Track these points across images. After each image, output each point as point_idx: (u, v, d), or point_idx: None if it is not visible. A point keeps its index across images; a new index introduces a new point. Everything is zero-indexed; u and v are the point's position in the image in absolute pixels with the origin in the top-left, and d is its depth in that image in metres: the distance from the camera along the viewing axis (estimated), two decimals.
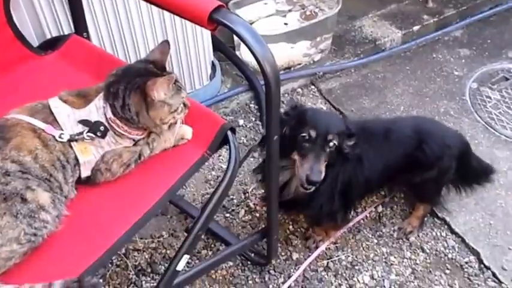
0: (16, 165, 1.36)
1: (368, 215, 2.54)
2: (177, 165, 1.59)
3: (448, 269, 2.36)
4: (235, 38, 3.08)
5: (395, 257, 2.39)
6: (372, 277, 2.32)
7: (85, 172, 1.50)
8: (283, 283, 2.27)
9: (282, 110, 1.99)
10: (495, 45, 3.67)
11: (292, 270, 2.32)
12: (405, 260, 2.38)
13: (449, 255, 2.40)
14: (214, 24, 1.37)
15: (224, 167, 2.68)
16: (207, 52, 2.83)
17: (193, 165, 1.59)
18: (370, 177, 2.16)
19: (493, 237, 2.45)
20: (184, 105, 1.56)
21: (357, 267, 2.35)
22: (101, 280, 2.17)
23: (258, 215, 2.53)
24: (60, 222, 1.41)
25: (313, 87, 3.29)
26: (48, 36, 2.19)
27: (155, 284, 1.87)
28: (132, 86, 1.45)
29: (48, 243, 1.38)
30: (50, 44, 2.01)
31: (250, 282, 2.28)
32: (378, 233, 2.49)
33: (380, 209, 2.58)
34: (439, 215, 2.53)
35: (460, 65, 3.49)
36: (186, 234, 1.67)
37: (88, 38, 2.07)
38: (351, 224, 2.47)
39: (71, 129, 1.46)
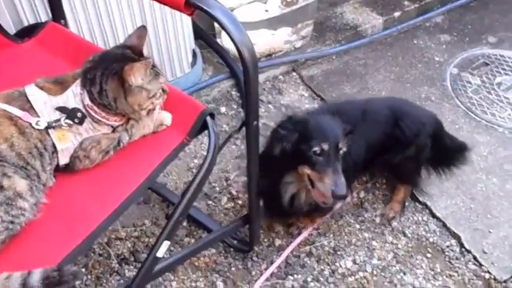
0: None
1: (350, 201, 2.55)
2: (156, 152, 1.58)
3: (429, 252, 2.37)
4: (216, 25, 3.07)
5: (377, 242, 2.41)
6: (354, 262, 2.33)
7: (63, 159, 1.49)
8: (265, 269, 2.27)
9: (270, 123, 2.00)
10: (475, 31, 3.68)
11: (274, 257, 2.33)
12: (387, 244, 2.40)
13: (431, 240, 2.42)
14: (191, 8, 1.36)
15: (205, 154, 2.67)
16: (188, 40, 2.82)
17: (173, 151, 1.58)
18: (357, 160, 2.16)
19: (474, 221, 2.47)
20: (163, 90, 1.55)
21: (339, 253, 2.36)
22: (83, 269, 2.18)
23: (240, 202, 2.53)
24: (39, 210, 1.40)
25: (294, 74, 3.29)
26: (26, 24, 2.16)
27: None
28: (109, 72, 1.44)
29: (27, 231, 1.36)
30: (27, 32, 1.98)
31: (233, 269, 2.28)
32: (360, 218, 2.50)
33: (362, 194, 2.60)
34: (420, 199, 2.55)
35: (441, 51, 3.51)
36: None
37: (66, 25, 2.05)
38: (333, 210, 2.47)
39: (48, 117, 1.45)
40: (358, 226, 2.47)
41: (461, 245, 2.39)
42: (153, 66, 1.49)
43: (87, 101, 1.47)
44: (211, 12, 1.33)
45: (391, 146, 2.26)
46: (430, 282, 2.27)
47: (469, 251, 2.37)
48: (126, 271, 2.23)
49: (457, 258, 2.35)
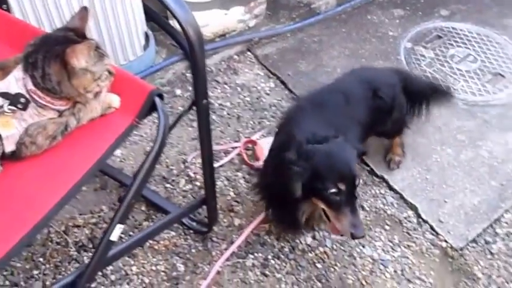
0: None
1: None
2: (105, 135, 1.55)
3: (387, 225, 2.41)
4: None
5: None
6: (314, 238, 2.35)
7: (9, 147, 1.45)
8: (226, 249, 2.27)
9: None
10: (428, 5, 3.72)
11: (234, 236, 2.33)
12: None
13: (389, 212, 2.45)
14: None
15: None
16: (139, 22, 2.77)
17: (122, 133, 1.55)
18: (359, 147, 2.09)
19: (430, 192, 2.52)
20: (109, 72, 1.52)
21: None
22: (41, 259, 2.15)
23: (198, 183, 2.52)
24: None
25: (249, 53, 3.27)
26: None
27: None
28: (51, 55, 1.40)
29: None
30: None
31: (193, 250, 2.28)
32: None
33: None
34: (378, 173, 2.58)
35: (395, 26, 3.53)
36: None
37: (8, 10, 1.99)
38: None
39: None
40: None
41: (418, 216, 2.43)
42: (97, 47, 1.46)
43: (30, 85, 1.43)
44: None
45: (378, 117, 2.29)
46: (389, 253, 2.31)
47: (425, 221, 2.41)
48: (85, 258, 2.21)
49: (414, 229, 2.39)
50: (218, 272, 2.21)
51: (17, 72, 1.45)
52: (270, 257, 2.28)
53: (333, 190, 1.78)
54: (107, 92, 1.58)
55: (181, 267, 2.22)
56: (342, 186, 1.78)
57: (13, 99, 1.42)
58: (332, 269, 2.25)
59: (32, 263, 2.17)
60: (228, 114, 2.86)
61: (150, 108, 1.59)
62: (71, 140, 1.53)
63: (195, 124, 2.72)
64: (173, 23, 3.07)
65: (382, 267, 2.27)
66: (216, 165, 2.56)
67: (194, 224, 2.33)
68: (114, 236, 1.57)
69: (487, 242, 2.37)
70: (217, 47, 3.16)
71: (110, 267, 2.18)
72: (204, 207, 2.17)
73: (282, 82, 3.07)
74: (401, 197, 2.50)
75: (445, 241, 2.34)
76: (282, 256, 2.28)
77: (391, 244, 2.34)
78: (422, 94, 2.58)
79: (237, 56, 3.24)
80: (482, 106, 2.99)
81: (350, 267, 2.26)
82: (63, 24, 1.55)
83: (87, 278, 1.60)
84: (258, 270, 2.24)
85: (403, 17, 3.61)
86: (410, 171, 2.59)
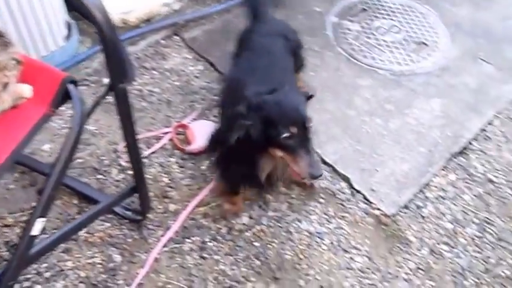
0: None
1: None
2: (18, 126, 1.50)
3: (322, 198, 2.43)
4: None
5: (270, 195, 2.43)
6: (250, 217, 2.35)
7: None
8: (162, 236, 2.25)
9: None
10: None
11: (170, 222, 2.30)
12: (280, 195, 2.43)
13: (322, 185, 2.47)
14: None
15: (90, 128, 2.59)
16: (59, 12, 2.69)
17: (36, 124, 1.51)
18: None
19: (361, 162, 2.55)
20: (17, 61, 1.47)
21: None
22: None
23: (131, 172, 2.47)
24: None
25: (176, 37, 3.22)
26: None
27: None
28: None
29: None
30: None
31: (129, 240, 2.24)
32: None
33: None
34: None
35: (320, 1, 3.55)
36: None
37: None
38: None
39: None
40: None
41: (351, 186, 2.46)
42: (0, 35, 1.40)
43: None
44: None
45: (294, 57, 2.48)
46: (325, 226, 2.33)
47: (358, 191, 2.44)
48: None
49: (348, 200, 2.42)
50: (156, 260, 2.18)
51: None
52: (207, 239, 2.26)
53: (286, 134, 1.82)
54: (16, 82, 1.52)
55: (118, 258, 2.18)
56: (294, 130, 1.82)
57: None
58: (270, 246, 2.26)
59: None
60: (158, 100, 2.81)
61: (66, 96, 1.55)
62: None
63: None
64: None
65: (318, 240, 2.28)
66: (148, 152, 2.53)
67: (128, 213, 2.28)
68: (35, 231, 1.52)
69: (418, 207, 2.42)
70: (142, 32, 3.11)
71: (44, 264, 2.12)
72: (137, 195, 2.13)
73: (211, 64, 3.04)
74: (334, 169, 2.52)
75: (378, 209, 2.38)
76: (219, 238, 2.27)
77: (326, 217, 2.36)
78: None
79: (164, 41, 3.19)
80: (408, 75, 3.05)
81: (287, 242, 2.27)
82: None
83: (11, 275, 1.55)
84: (196, 254, 2.22)
85: None
86: (341, 144, 2.62)
